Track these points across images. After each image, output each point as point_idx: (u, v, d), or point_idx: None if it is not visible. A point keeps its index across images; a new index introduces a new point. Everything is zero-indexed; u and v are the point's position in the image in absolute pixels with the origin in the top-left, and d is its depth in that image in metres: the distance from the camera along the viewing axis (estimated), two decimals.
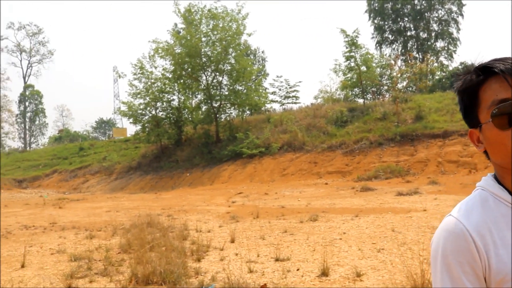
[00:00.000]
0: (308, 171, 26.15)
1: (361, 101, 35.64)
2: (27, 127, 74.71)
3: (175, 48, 35.71)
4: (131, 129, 57.56)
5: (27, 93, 74.58)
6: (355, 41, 32.97)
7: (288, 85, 40.65)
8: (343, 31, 33.29)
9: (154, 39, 36.34)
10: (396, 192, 16.45)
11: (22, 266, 7.80)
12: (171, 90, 37.79)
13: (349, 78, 35.12)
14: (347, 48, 33.38)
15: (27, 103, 74.74)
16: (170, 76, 36.96)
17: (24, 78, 76.58)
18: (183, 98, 38.77)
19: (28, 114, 74.63)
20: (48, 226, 13.51)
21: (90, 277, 6.70)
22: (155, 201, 21.44)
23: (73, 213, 17.16)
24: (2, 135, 74.86)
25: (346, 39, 33.19)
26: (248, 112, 39.10)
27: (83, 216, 15.85)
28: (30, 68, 77.05)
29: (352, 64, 33.83)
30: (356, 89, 36.58)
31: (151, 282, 6.08)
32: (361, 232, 9.34)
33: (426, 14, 48.17)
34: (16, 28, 75.24)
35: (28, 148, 70.39)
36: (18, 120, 75.33)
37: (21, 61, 76.66)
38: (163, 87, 37.24)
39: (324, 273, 6.15)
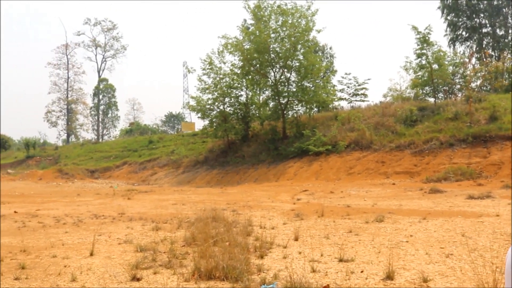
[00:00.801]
0: (375, 170, 25.67)
1: (432, 100, 34.61)
2: (100, 119, 77.37)
3: (244, 44, 35.90)
4: (199, 124, 58.65)
5: (101, 86, 77.24)
6: (427, 38, 32.06)
7: (357, 83, 40.02)
8: (414, 28, 32.48)
9: (223, 34, 36.66)
10: (467, 195, 15.86)
11: (91, 254, 8.02)
12: (239, 85, 38.05)
13: (420, 76, 34.18)
14: (418, 45, 32.54)
15: (101, 96, 77.42)
16: (239, 71, 37.19)
17: (98, 72, 79.50)
18: (250, 94, 38.98)
19: (102, 107, 77.31)
20: (117, 216, 13.89)
21: (154, 268, 6.80)
22: (221, 195, 21.65)
23: (141, 205, 17.60)
24: (77, 126, 77.93)
25: (418, 36, 32.34)
26: (315, 109, 38.80)
27: (150, 208, 16.20)
28: (105, 62, 79.92)
29: (424, 62, 32.92)
30: (427, 88, 35.48)
31: (214, 277, 6.10)
32: (429, 236, 9.02)
33: (504, 10, 46.22)
34: (92, 24, 78.11)
35: (100, 140, 72.92)
36: (92, 112, 78.22)
37: (96, 55, 79.63)
38: (232, 82, 37.55)
39: (389, 276, 5.97)
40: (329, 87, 36.73)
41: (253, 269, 6.44)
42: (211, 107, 37.99)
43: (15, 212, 15.54)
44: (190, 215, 13.10)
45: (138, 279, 6.25)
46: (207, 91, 37.82)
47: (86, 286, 6.06)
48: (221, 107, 38.12)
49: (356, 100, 40.68)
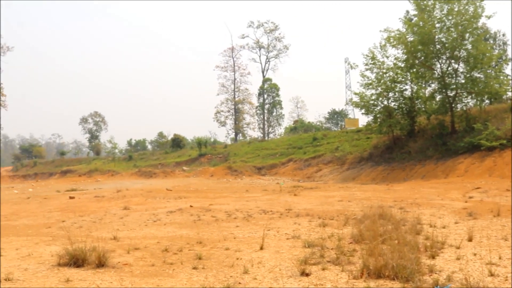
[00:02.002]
0: None
1: None
2: (265, 118, 79.80)
3: (407, 36, 34.78)
4: (363, 120, 57.86)
5: (265, 86, 79.70)
6: None
7: None
8: None
9: (385, 28, 35.86)
10: None
11: (261, 248, 8.35)
12: (403, 79, 36.91)
13: None
14: None
15: (265, 96, 79.87)
16: (402, 65, 36.08)
17: (262, 72, 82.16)
18: (415, 87, 37.65)
19: (267, 106, 79.68)
20: (284, 212, 14.26)
21: (322, 264, 6.87)
22: (387, 192, 21.22)
23: (307, 201, 17.86)
24: (244, 125, 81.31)
25: None
26: (487, 101, 36.32)
27: (316, 204, 16.38)
28: (268, 62, 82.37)
29: None
30: None
31: (383, 275, 6.02)
32: None
33: None
34: (255, 27, 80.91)
35: (266, 138, 75.23)
36: (258, 111, 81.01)
37: (260, 56, 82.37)
38: (395, 76, 36.56)
39: None
40: (502, 77, 34.08)
41: (424, 270, 6.24)
42: (375, 102, 37.35)
43: (190, 206, 16.67)
44: (357, 212, 13.04)
45: (307, 274, 6.37)
46: (370, 86, 37.25)
47: (257, 279, 6.34)
48: (385, 102, 37.31)
49: None
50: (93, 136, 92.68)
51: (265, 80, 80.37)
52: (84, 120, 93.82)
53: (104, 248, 7.68)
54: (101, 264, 7.31)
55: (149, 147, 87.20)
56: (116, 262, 7.57)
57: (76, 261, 7.40)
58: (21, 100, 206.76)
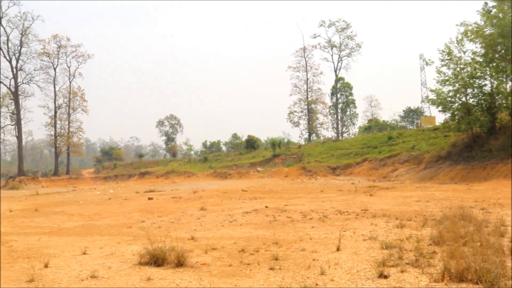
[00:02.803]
0: None
1: None
2: (339, 117, 79.10)
3: (485, 30, 33.52)
4: (440, 118, 56.32)
5: (338, 85, 78.97)
6: None
7: None
8: None
9: (462, 22, 34.71)
10: None
11: (338, 249, 8.34)
12: (482, 75, 35.54)
13: None
14: None
15: (338, 95, 79.13)
16: (481, 60, 34.78)
17: (335, 71, 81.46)
18: (496, 82, 36.14)
19: (340, 105, 78.91)
20: (360, 212, 14.14)
21: (401, 266, 6.78)
22: (467, 192, 20.57)
23: (383, 201, 17.61)
24: (317, 125, 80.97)
25: None
26: None
27: (393, 205, 16.13)
28: (340, 61, 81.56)
29: None
30: None
31: (465, 279, 5.87)
32: None
33: None
34: (327, 26, 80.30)
35: (340, 138, 74.58)
36: (331, 111, 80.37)
37: (332, 55, 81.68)
38: (474, 72, 35.28)
39: None
40: None
41: (510, 274, 6.03)
42: (452, 99, 36.20)
43: (266, 207, 16.83)
44: (436, 213, 12.75)
45: (385, 277, 6.32)
46: (447, 83, 36.14)
47: (334, 280, 6.35)
48: (463, 99, 36.08)
49: None
50: (169, 139, 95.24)
51: (338, 79, 79.61)
52: (160, 123, 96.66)
53: (182, 248, 7.92)
54: (180, 263, 7.55)
55: (224, 148, 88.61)
56: (195, 262, 7.79)
57: (156, 260, 7.69)
58: (101, 105, 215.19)
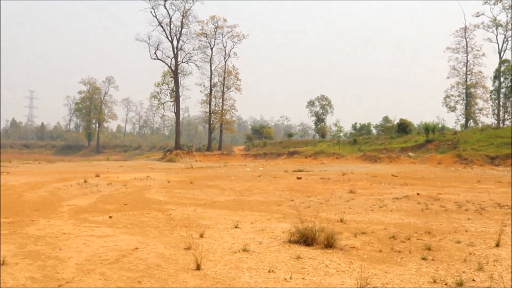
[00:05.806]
0: None
1: None
2: (501, 103, 73.76)
3: None
4: None
5: (502, 68, 73.39)
6: None
7: None
8: None
9: None
10: None
11: (497, 245, 7.83)
12: None
13: None
14: None
15: (502, 79, 73.60)
16: None
17: (499, 53, 75.63)
18: None
19: (503, 90, 73.42)
20: None
21: None
22: None
23: None
24: (476, 111, 76.26)
25: None
26: None
27: None
28: (506, 42, 75.43)
29: None
30: None
31: None
32: None
33: None
34: (492, 3, 74.45)
35: (501, 125, 69.58)
36: (493, 96, 75.06)
37: (496, 36, 75.88)
38: None
39: None
40: None
41: None
42: None
43: (417, 194, 16.30)
44: None
45: None
46: None
47: (493, 278, 5.96)
48: None
49: None
50: (319, 119, 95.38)
51: (502, 62, 73.90)
52: (311, 103, 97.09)
53: (332, 230, 7.95)
54: (329, 244, 7.60)
55: (374, 131, 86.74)
56: (344, 245, 7.78)
57: (306, 239, 7.80)
58: (253, 84, 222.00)
